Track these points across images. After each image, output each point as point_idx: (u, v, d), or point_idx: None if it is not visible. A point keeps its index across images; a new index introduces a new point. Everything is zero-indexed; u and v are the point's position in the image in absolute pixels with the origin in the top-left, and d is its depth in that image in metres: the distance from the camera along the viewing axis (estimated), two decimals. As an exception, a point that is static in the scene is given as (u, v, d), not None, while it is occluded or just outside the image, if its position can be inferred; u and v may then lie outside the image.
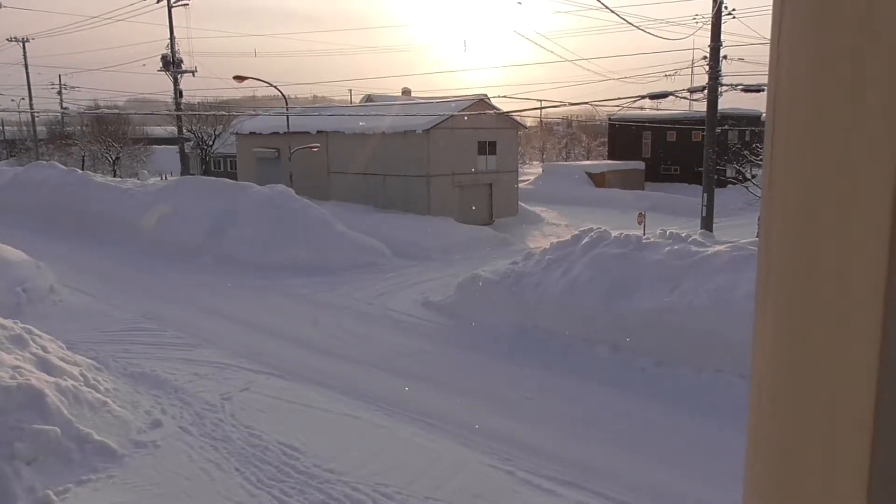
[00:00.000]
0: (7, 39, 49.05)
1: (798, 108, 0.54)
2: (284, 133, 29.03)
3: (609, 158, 51.14)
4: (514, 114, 31.32)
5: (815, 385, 0.55)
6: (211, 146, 45.96)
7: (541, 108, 42.29)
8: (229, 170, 44.54)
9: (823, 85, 0.52)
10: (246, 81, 26.46)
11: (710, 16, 19.94)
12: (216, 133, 45.16)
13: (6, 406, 7.34)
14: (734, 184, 29.83)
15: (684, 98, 21.85)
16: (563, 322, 11.98)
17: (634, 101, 23.39)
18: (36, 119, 51.68)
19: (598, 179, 44.38)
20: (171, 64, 37.77)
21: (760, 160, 27.92)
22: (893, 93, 0.49)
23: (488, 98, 29.93)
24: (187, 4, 36.94)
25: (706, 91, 20.12)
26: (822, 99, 0.53)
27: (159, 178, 35.21)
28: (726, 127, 38.08)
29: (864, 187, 0.51)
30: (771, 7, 0.57)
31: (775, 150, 0.57)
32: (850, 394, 0.52)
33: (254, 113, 39.55)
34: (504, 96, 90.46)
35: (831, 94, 0.52)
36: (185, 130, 42.34)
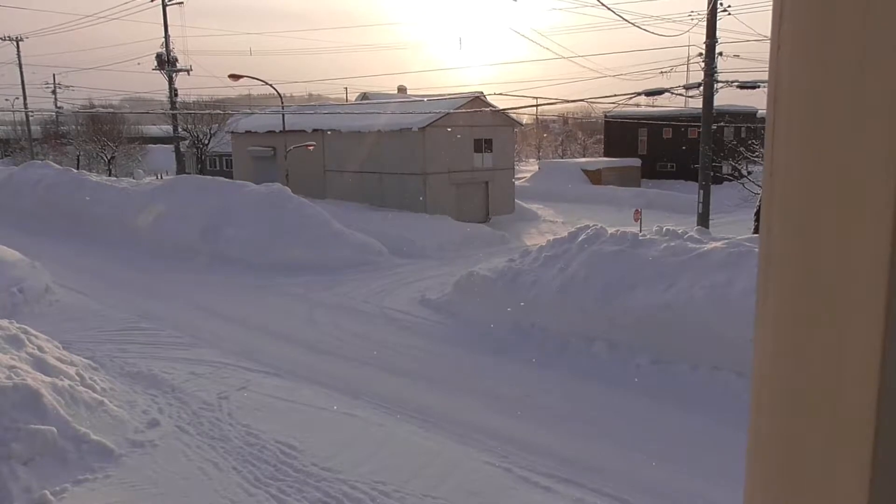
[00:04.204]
0: (1, 38, 48.88)
1: (799, 100, 0.54)
2: (280, 131, 28.99)
3: (605, 155, 51.20)
4: (510, 111, 31.35)
5: (817, 382, 0.54)
6: (206, 145, 45.86)
7: (537, 106, 42.37)
8: (225, 168, 44.47)
9: (824, 76, 0.52)
10: (241, 80, 26.41)
11: (706, 13, 19.95)
12: (212, 132, 45.07)
13: (2, 406, 7.32)
14: (730, 180, 29.87)
15: (680, 95, 21.90)
16: (559, 319, 11.99)
17: (630, 97, 23.40)
18: (30, 118, 51.53)
19: (594, 176, 44.43)
20: (166, 62, 37.70)
21: (756, 157, 27.92)
22: (894, 84, 0.48)
23: (484, 95, 29.93)
24: (182, 3, 36.87)
25: (702, 88, 20.13)
26: (823, 90, 0.52)
27: (155, 178, 35.15)
28: (722, 124, 38.11)
29: (865, 180, 0.50)
30: (767, 3, 0.57)
31: (776, 142, 0.57)
32: (853, 391, 0.52)
33: (249, 112, 39.48)
34: (500, 94, 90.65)
35: (832, 85, 0.52)
36: (180, 129, 42.26)
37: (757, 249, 0.61)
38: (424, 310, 14.42)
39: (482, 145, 29.40)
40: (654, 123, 46.91)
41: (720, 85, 20.45)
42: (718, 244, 11.58)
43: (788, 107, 0.55)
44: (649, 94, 21.78)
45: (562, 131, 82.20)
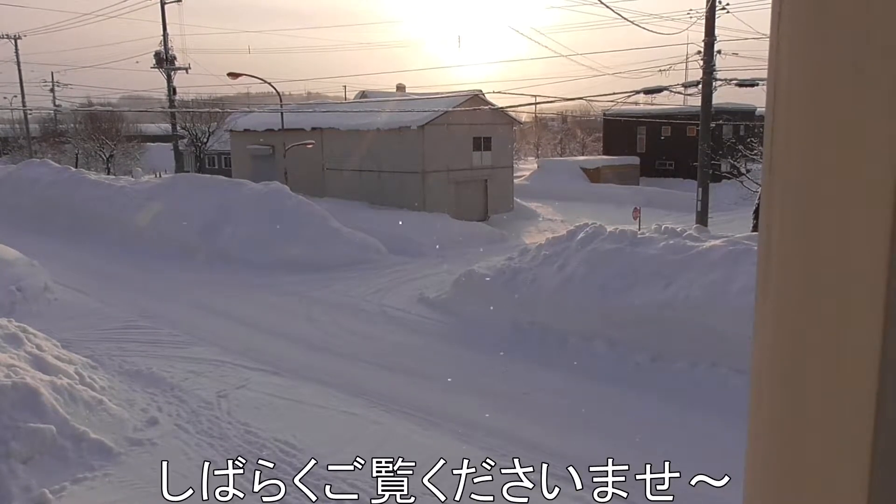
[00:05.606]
0: (-1, 37, 48.77)
1: (798, 98, 0.54)
2: (279, 130, 28.97)
3: (604, 154, 51.16)
4: (508, 109, 31.34)
5: (817, 381, 0.54)
6: (205, 143, 45.80)
7: (535, 104, 42.37)
8: (224, 167, 44.40)
9: (824, 74, 0.52)
10: (240, 78, 26.43)
11: (705, 11, 19.96)
12: (210, 130, 45.01)
13: (1, 405, 7.32)
14: (729, 178, 29.89)
15: (679, 93, 21.95)
16: (558, 317, 11.99)
17: (629, 96, 23.42)
18: (29, 117, 51.46)
19: (593, 175, 44.42)
20: (165, 61, 37.69)
21: (755, 155, 27.94)
22: (894, 83, 0.48)
23: (483, 94, 29.92)
24: (180, 1, 36.82)
25: (700, 86, 20.14)
26: (823, 89, 0.52)
27: (153, 176, 35.12)
28: (721, 122, 38.13)
29: (865, 179, 0.50)
30: (766, 1, 0.57)
31: (775, 140, 0.57)
32: (852, 390, 0.52)
33: (248, 110, 39.45)
34: (499, 92, 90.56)
35: (832, 83, 0.52)
36: (179, 128, 42.22)
37: (756, 247, 0.61)
38: (423, 308, 14.42)
39: (481, 143, 29.39)
40: (653, 122, 46.88)
41: (719, 83, 20.47)
42: (717, 242, 11.59)
43: (788, 105, 0.55)
44: (648, 92, 21.80)
45: (561, 129, 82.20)
